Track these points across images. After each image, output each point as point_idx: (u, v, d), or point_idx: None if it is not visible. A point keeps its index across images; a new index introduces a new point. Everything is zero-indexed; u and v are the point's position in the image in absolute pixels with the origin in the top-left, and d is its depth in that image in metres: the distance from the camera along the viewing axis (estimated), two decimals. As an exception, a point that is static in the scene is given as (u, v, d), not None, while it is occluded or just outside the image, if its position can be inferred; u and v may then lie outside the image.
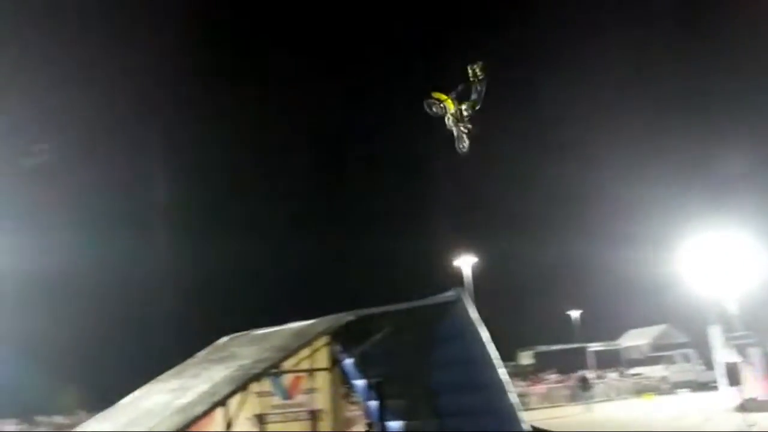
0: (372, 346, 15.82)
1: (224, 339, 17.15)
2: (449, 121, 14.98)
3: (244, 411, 13.89)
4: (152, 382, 15.12)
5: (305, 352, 15.50)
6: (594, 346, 44.23)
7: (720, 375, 25.43)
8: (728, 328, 26.40)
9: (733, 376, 19.80)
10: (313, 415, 15.21)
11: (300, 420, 15.78)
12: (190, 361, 16.04)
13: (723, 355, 25.86)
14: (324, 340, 16.06)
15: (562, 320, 57.08)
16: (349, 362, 18.38)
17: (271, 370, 13.73)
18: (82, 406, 27.93)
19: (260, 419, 14.59)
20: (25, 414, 26.12)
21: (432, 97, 14.88)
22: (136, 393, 14.80)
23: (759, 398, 23.46)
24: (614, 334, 46.82)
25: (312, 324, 14.89)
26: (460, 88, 14.88)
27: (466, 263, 35.67)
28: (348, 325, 14.72)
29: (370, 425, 17.54)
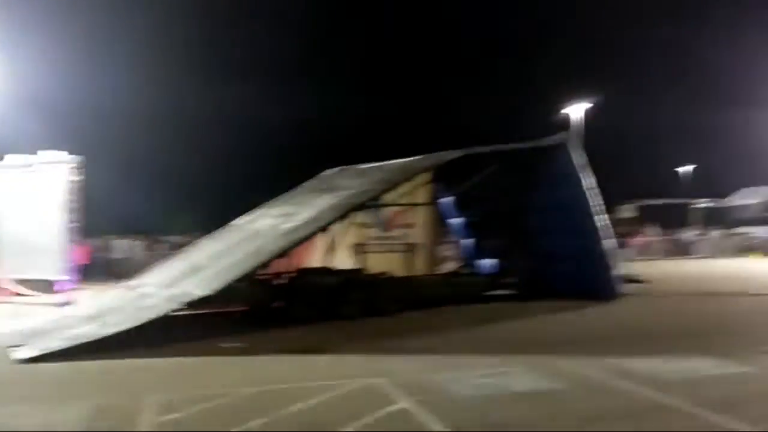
0: (472, 186, 16.03)
1: (330, 171, 17.78)
2: None
3: (344, 239, 14.73)
4: (261, 207, 16.09)
5: (407, 187, 15.95)
6: (700, 203, 42.82)
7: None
8: None
9: None
10: (410, 248, 15.91)
11: (395, 252, 16.59)
12: (297, 190, 16.83)
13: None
14: (426, 176, 16.40)
15: (671, 176, 55.17)
16: (448, 200, 18.80)
17: (372, 201, 14.25)
18: (197, 227, 30.22)
19: (359, 248, 15.41)
20: (148, 233, 28.59)
21: None
22: (247, 216, 15.84)
23: None
24: (724, 193, 45.00)
25: (415, 160, 15.13)
26: None
27: (577, 110, 34.38)
28: (451, 163, 14.85)
29: (463, 262, 18.21)
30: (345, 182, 15.24)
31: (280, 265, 13.73)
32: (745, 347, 9.37)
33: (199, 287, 11.39)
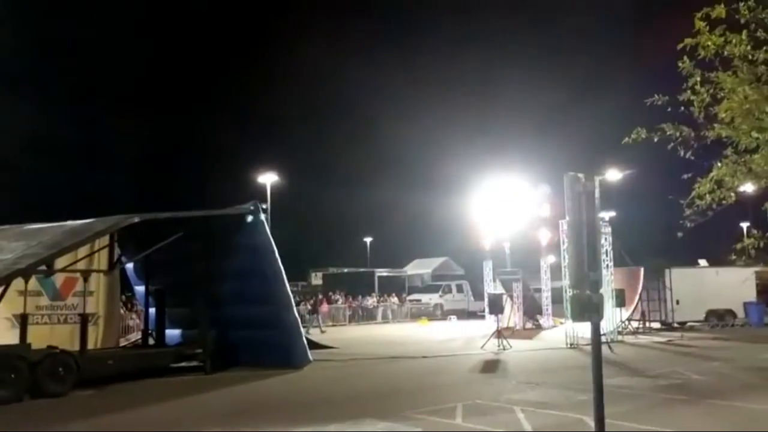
0: (158, 252, 15.21)
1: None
2: None
3: (2, 309, 12.78)
4: None
5: (83, 252, 14.56)
6: (381, 272, 46.69)
7: (486, 305, 28.20)
8: (500, 264, 29.24)
9: (496, 306, 21.99)
10: (84, 319, 14.38)
11: (69, 323, 14.92)
12: (-58, 251, 14.27)
13: (491, 287, 28.63)
14: (104, 241, 15.15)
15: (359, 246, 59.63)
16: (131, 267, 17.58)
17: (39, 267, 12.63)
18: None
19: (22, 319, 13.48)
20: None
21: None
22: None
23: (514, 327, 26.51)
24: (403, 263, 49.90)
25: (91, 222, 13.86)
26: None
27: (267, 180, 35.34)
28: (132, 228, 13.95)
29: (146, 333, 17.03)
30: (5, 244, 13.31)
31: None
32: (415, 408, 10.08)
33: None
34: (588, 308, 4.96)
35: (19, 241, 13.30)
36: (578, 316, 5.24)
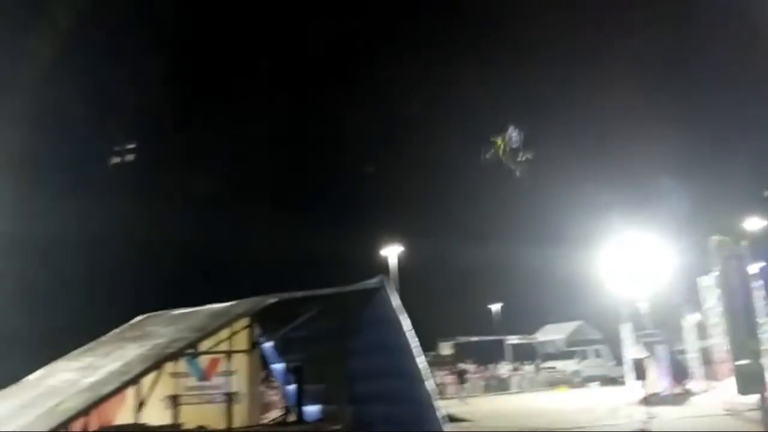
0: (293, 330, 15.71)
1: (139, 318, 16.68)
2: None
3: (157, 391, 13.58)
4: (60, 359, 14.56)
5: (224, 333, 15.29)
6: (512, 339, 45.51)
7: (628, 370, 26.62)
8: (638, 326, 27.70)
9: (640, 372, 20.79)
10: (229, 398, 15.02)
11: (215, 402, 15.56)
12: (102, 339, 15.52)
13: (632, 351, 27.07)
14: (244, 322, 15.86)
15: (484, 313, 58.62)
16: (269, 345, 18.23)
17: (188, 350, 13.43)
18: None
19: (174, 400, 14.29)
20: None
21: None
22: (43, 370, 14.21)
23: (661, 393, 24.78)
24: (532, 329, 48.47)
25: (232, 305, 14.64)
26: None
27: (392, 253, 35.89)
28: (269, 308, 14.55)
29: (287, 409, 17.46)
30: (156, 330, 14.30)
31: (81, 425, 12.32)
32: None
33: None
34: (753, 380, 4.60)
35: (169, 326, 14.25)
36: (744, 390, 4.86)
